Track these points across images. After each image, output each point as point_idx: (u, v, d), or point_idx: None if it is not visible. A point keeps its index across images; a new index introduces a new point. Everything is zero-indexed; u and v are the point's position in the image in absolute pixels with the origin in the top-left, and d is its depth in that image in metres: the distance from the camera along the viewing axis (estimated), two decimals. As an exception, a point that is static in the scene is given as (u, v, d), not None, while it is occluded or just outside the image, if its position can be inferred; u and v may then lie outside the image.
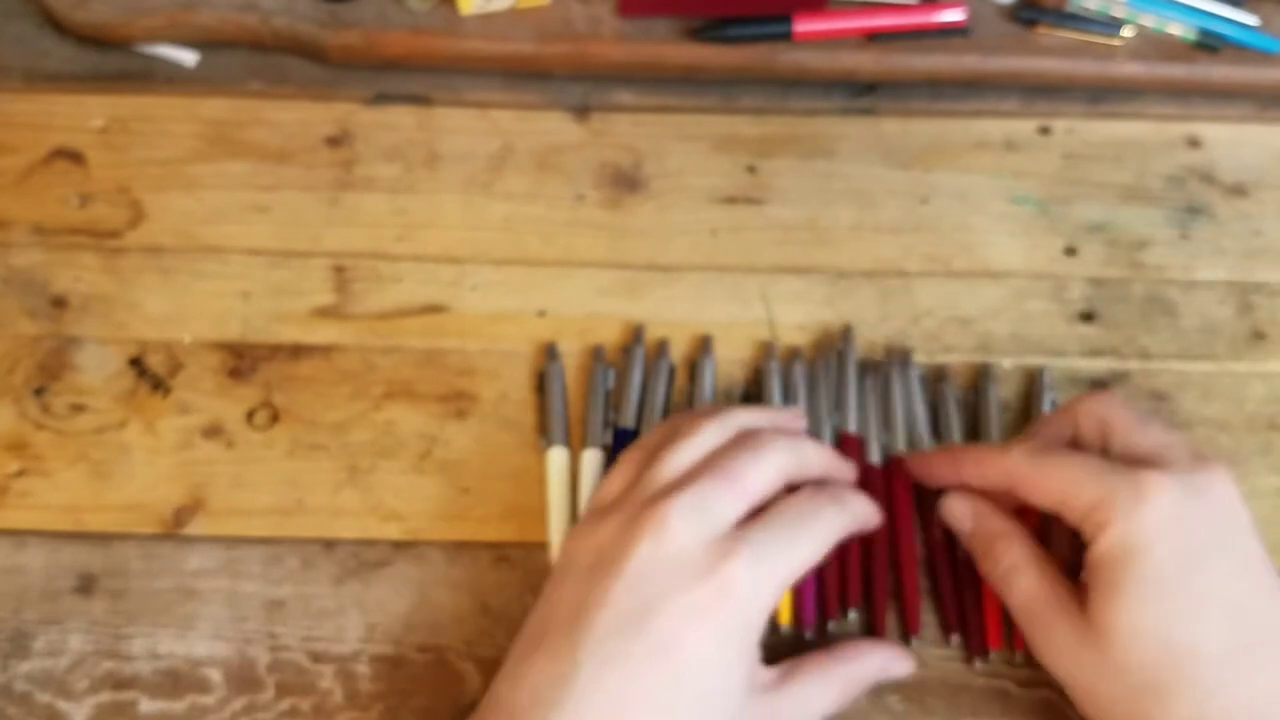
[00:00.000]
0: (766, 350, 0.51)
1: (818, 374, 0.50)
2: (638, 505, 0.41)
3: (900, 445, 0.49)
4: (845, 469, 0.46)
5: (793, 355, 0.51)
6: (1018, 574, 0.43)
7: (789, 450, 0.43)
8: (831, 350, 0.51)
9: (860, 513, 0.44)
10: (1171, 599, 0.39)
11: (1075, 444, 0.45)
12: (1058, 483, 0.42)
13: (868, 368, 0.50)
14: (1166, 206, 0.55)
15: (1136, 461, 0.41)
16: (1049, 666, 0.42)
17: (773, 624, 0.46)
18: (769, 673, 0.42)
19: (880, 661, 0.44)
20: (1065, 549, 0.44)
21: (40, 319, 0.51)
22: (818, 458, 0.45)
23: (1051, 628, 0.42)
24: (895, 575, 0.47)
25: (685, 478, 0.42)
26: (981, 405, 0.50)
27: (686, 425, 0.44)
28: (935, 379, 0.50)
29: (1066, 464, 0.42)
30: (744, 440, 0.43)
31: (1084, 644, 0.40)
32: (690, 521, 0.40)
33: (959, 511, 0.45)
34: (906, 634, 0.46)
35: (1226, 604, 0.40)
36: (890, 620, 0.46)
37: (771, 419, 0.46)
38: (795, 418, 0.47)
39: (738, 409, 0.45)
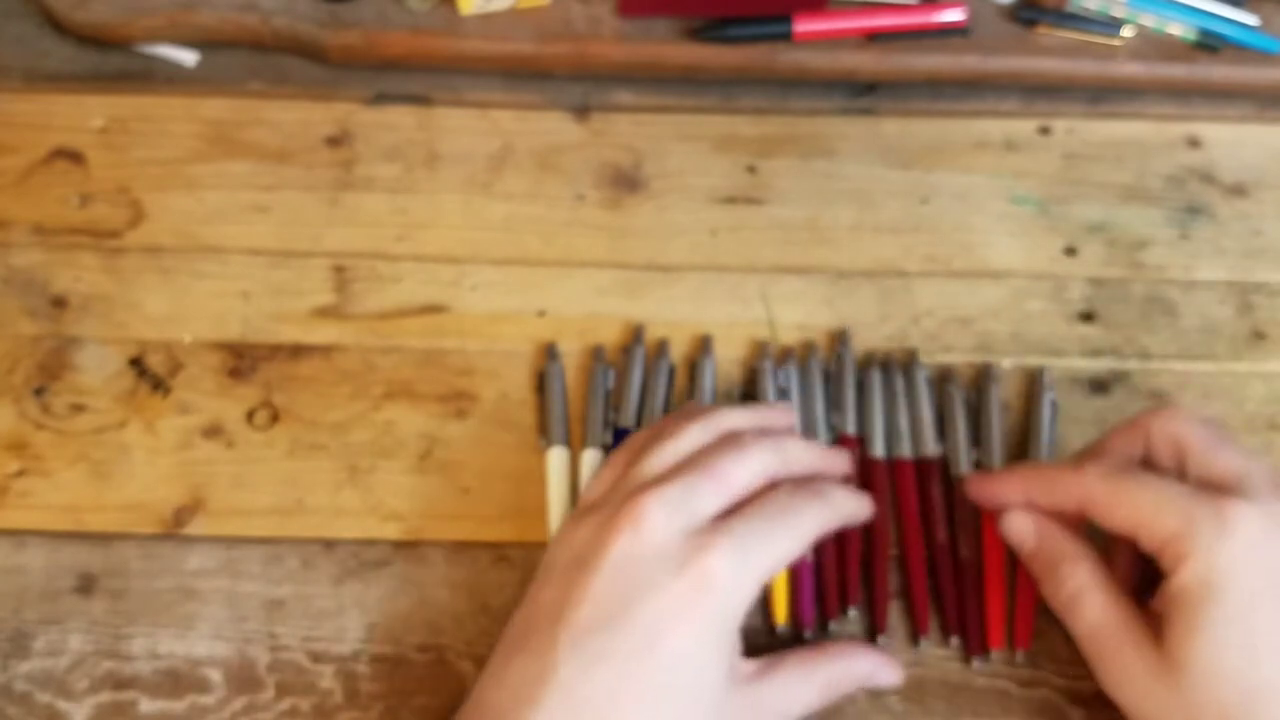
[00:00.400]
0: (761, 350, 0.51)
1: (814, 374, 0.50)
2: (618, 502, 0.41)
3: (906, 446, 0.49)
4: (837, 463, 0.46)
5: (787, 354, 0.51)
6: (1085, 598, 0.42)
7: (773, 450, 0.43)
8: (830, 351, 0.51)
9: (844, 507, 0.44)
10: (1252, 639, 0.38)
11: (1148, 464, 0.43)
12: (1136, 508, 0.40)
13: (874, 368, 0.50)
14: (1166, 206, 0.55)
15: (1216, 487, 0.40)
16: (1113, 695, 0.41)
17: (769, 624, 0.46)
18: (750, 665, 0.41)
19: (868, 667, 0.43)
20: (1128, 570, 0.43)
21: (40, 319, 0.51)
22: (804, 455, 0.44)
23: (1121, 658, 0.40)
24: (901, 575, 0.47)
25: (666, 475, 0.42)
26: (983, 406, 0.50)
27: (671, 426, 0.44)
28: (941, 380, 0.50)
29: (1145, 488, 0.41)
30: (728, 440, 0.43)
31: (1156, 677, 0.39)
32: (668, 514, 0.40)
33: (1022, 529, 0.44)
34: (915, 634, 0.46)
35: None
36: (891, 620, 0.46)
37: (759, 419, 0.45)
38: (785, 414, 0.47)
39: (724, 410, 0.45)
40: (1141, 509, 0.40)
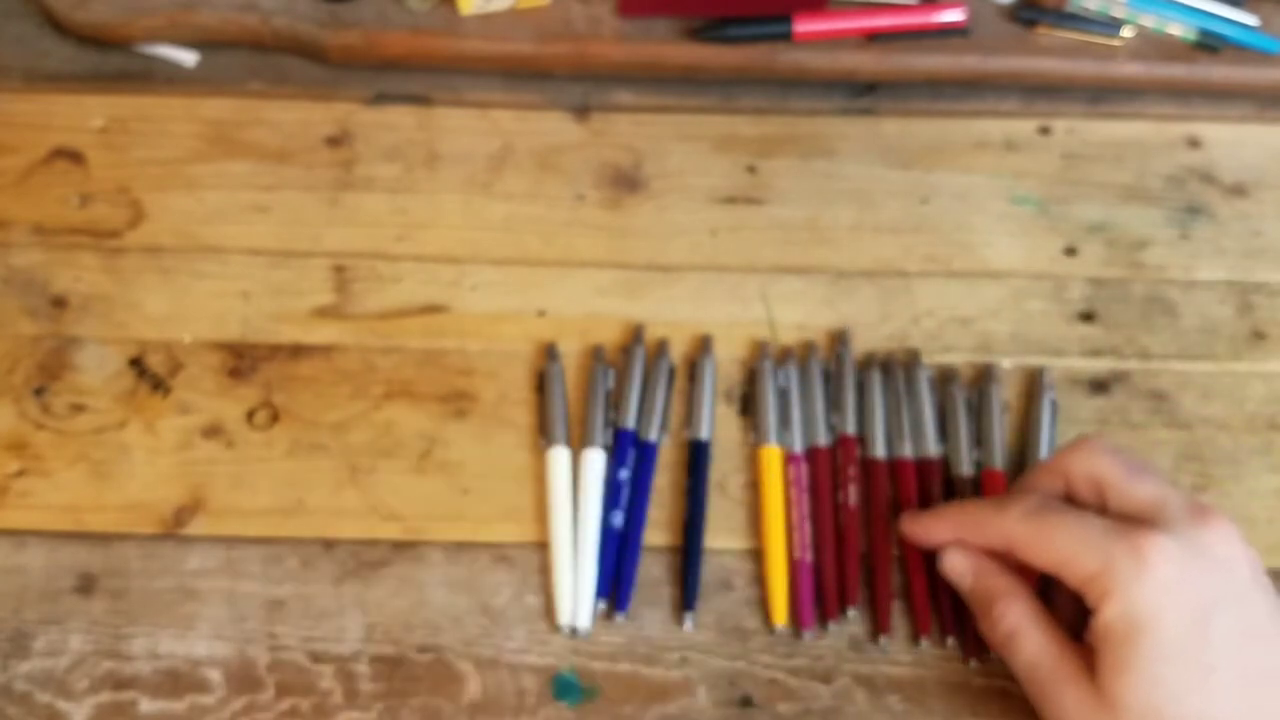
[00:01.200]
0: (761, 350, 0.51)
1: (814, 374, 0.50)
2: None
3: (907, 446, 0.49)
4: None
5: (787, 354, 0.51)
6: (1020, 637, 0.42)
7: None
8: (830, 351, 0.51)
9: None
10: (1181, 671, 0.38)
11: (1070, 500, 0.43)
12: (1056, 548, 0.40)
13: (875, 368, 0.50)
14: (1166, 206, 0.55)
15: (1134, 519, 0.40)
16: None
17: (768, 624, 0.46)
18: None
19: None
20: (1069, 605, 0.43)
21: (40, 319, 0.51)
22: None
23: (1057, 694, 0.40)
24: (902, 575, 0.47)
25: None
26: (984, 406, 0.50)
27: None
28: (944, 380, 0.50)
29: (1064, 527, 0.41)
30: None
31: (1093, 712, 0.39)
32: None
33: (958, 567, 0.44)
34: (916, 634, 0.46)
35: (1237, 672, 0.39)
36: (892, 620, 0.46)
37: None
38: None
39: None
40: (1061, 549, 0.40)
